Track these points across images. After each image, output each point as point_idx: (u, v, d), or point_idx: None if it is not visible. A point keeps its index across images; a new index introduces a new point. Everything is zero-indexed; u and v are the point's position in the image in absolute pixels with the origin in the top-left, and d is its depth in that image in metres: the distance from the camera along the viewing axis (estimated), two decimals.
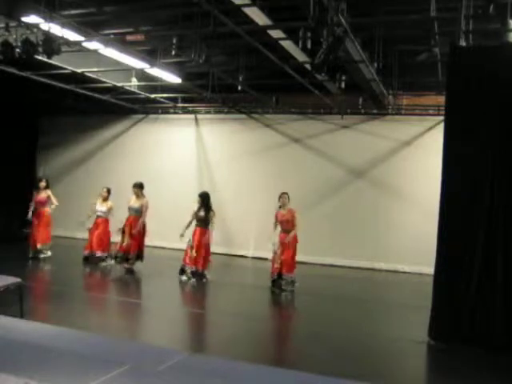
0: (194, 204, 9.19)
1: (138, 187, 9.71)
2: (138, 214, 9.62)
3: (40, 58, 7.40)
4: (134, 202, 9.68)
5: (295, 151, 12.04)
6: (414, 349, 6.10)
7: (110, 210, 10.18)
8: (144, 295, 8.79)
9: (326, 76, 8.82)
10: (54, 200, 10.32)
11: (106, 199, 10.19)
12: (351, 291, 9.30)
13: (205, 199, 9.18)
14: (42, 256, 10.24)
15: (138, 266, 9.72)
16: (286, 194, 8.71)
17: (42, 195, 10.34)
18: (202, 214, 9.11)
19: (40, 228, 10.26)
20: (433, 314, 6.09)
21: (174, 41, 7.32)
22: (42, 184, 10.45)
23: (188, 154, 12.99)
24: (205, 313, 7.74)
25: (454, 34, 6.14)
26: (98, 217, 10.19)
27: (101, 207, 10.16)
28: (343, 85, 9.54)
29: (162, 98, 11.97)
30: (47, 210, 10.34)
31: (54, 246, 10.65)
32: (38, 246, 10.21)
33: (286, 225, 8.57)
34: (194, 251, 8.96)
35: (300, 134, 12.08)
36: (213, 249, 9.35)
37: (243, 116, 12.56)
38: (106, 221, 10.18)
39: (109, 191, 10.24)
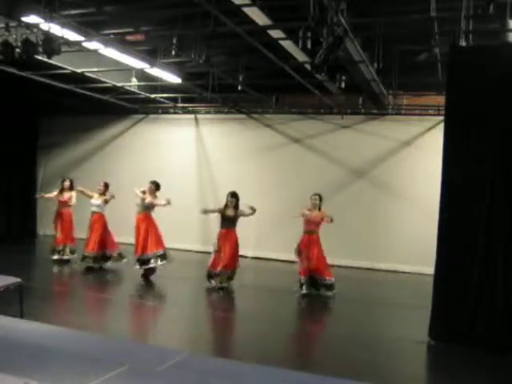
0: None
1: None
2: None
3: (40, 57, 7.40)
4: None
5: (295, 151, 12.03)
6: (414, 349, 6.10)
7: (105, 202, 9.81)
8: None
9: (325, 76, 8.81)
10: (73, 200, 10.15)
11: (102, 193, 9.83)
12: (351, 291, 9.28)
13: (237, 198, 8.77)
14: (65, 257, 10.14)
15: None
16: (318, 195, 8.55)
17: (67, 195, 10.22)
18: (230, 213, 8.71)
19: (64, 230, 10.19)
20: (433, 314, 6.09)
21: (174, 41, 7.30)
22: (67, 184, 10.30)
23: (188, 154, 12.98)
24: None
25: (454, 34, 6.13)
26: (93, 212, 9.84)
27: (96, 200, 9.83)
28: (343, 85, 9.53)
29: (162, 97, 11.96)
30: (70, 211, 10.27)
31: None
32: (61, 246, 10.13)
33: (314, 226, 8.44)
34: (223, 255, 8.54)
35: (300, 134, 12.07)
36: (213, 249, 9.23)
37: (243, 116, 12.55)
38: (102, 217, 9.87)
39: (106, 185, 9.89)
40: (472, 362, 5.61)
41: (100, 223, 9.82)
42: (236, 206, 8.73)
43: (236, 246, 8.77)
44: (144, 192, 9.19)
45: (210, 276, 8.64)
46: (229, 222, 8.72)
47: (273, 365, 4.32)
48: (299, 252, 8.44)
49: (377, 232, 11.23)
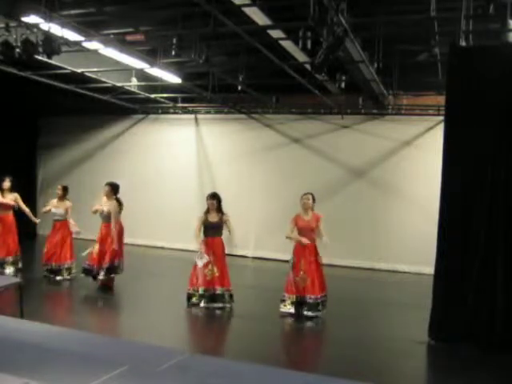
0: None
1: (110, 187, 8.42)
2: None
3: (40, 58, 7.40)
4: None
5: (295, 151, 12.02)
6: (414, 349, 6.10)
7: (67, 210, 8.80)
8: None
9: (325, 76, 8.81)
10: (21, 205, 8.99)
11: (61, 198, 8.82)
12: (351, 291, 9.29)
13: (219, 200, 7.50)
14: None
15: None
16: (310, 194, 7.28)
17: (10, 197, 8.89)
18: (214, 219, 7.46)
19: (4, 237, 8.79)
20: (433, 314, 6.10)
21: (174, 41, 7.31)
22: (6, 184, 8.90)
23: (188, 154, 12.97)
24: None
25: (454, 34, 6.15)
26: (55, 220, 8.87)
27: (57, 209, 8.77)
28: (343, 85, 9.53)
29: (161, 97, 11.96)
30: (12, 216, 8.96)
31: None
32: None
33: (310, 234, 7.13)
34: (214, 269, 7.33)
35: (300, 133, 12.07)
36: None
37: (243, 116, 12.55)
38: (66, 224, 8.87)
39: (64, 189, 8.88)
40: (472, 361, 5.61)
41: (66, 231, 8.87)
42: (219, 210, 7.50)
43: (224, 259, 7.61)
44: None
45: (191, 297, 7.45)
46: (213, 229, 7.45)
47: (273, 365, 4.32)
48: (293, 265, 7.26)
49: (377, 232, 11.22)
